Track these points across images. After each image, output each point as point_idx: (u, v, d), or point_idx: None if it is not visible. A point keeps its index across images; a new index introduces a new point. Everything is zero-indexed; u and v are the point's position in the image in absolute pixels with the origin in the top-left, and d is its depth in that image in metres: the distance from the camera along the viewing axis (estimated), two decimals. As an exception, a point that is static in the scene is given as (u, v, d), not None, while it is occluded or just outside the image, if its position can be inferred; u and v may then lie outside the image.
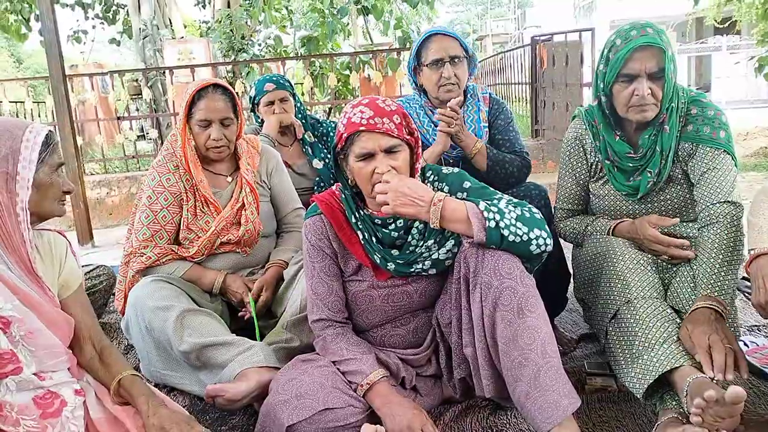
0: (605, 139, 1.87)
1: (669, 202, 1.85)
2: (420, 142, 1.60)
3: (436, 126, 2.20)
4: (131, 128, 6.31)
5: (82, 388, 1.40)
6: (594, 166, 1.96)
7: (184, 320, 1.84)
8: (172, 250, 2.09)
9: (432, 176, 1.65)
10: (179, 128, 2.10)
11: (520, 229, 1.43)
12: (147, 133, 7.89)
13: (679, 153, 1.80)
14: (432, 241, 1.59)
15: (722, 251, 1.61)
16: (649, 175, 1.82)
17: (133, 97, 8.47)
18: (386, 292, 1.65)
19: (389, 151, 1.50)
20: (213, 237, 2.09)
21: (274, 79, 2.75)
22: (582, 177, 1.99)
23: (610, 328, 1.66)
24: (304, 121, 2.80)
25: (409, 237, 1.61)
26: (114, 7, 10.24)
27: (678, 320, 1.58)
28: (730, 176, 1.71)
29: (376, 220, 1.61)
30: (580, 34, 5.83)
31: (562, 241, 2.13)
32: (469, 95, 2.27)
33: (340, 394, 1.54)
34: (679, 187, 1.84)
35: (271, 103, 2.71)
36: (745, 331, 2.11)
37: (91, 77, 6.35)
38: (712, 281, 1.58)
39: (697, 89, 1.89)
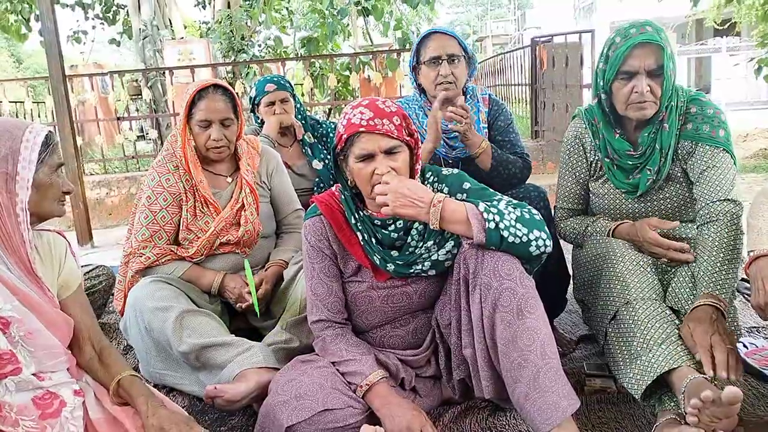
0: (605, 138, 1.88)
1: (668, 200, 1.85)
2: (420, 143, 1.60)
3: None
4: (131, 129, 6.31)
5: (81, 389, 1.40)
6: (594, 165, 1.97)
7: (183, 321, 1.83)
8: (172, 251, 2.09)
9: (431, 177, 1.65)
10: (179, 128, 2.10)
11: (519, 230, 1.43)
12: (147, 134, 7.90)
13: (679, 151, 1.81)
14: (431, 242, 1.59)
15: (722, 249, 1.61)
16: (648, 173, 1.83)
17: (133, 97, 8.47)
18: (386, 293, 1.65)
19: (389, 152, 1.50)
20: (212, 237, 2.09)
21: (275, 79, 2.75)
22: (582, 176, 2.00)
23: (610, 329, 1.66)
24: (303, 121, 2.80)
25: (409, 238, 1.61)
26: (114, 8, 10.25)
27: (677, 321, 1.58)
28: (730, 174, 1.72)
29: (375, 221, 1.61)
30: (580, 36, 5.84)
31: (561, 242, 2.13)
32: (468, 96, 2.27)
33: (339, 395, 1.54)
34: (678, 185, 1.84)
35: (272, 103, 2.71)
36: (745, 333, 2.11)
37: (91, 77, 6.36)
38: (713, 279, 1.58)
39: (696, 90, 1.89)
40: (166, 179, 2.09)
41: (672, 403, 1.48)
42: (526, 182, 2.23)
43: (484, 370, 1.50)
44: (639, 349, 1.54)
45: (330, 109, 8.18)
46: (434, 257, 1.59)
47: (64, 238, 1.49)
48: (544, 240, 1.45)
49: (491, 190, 1.59)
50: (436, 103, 2.06)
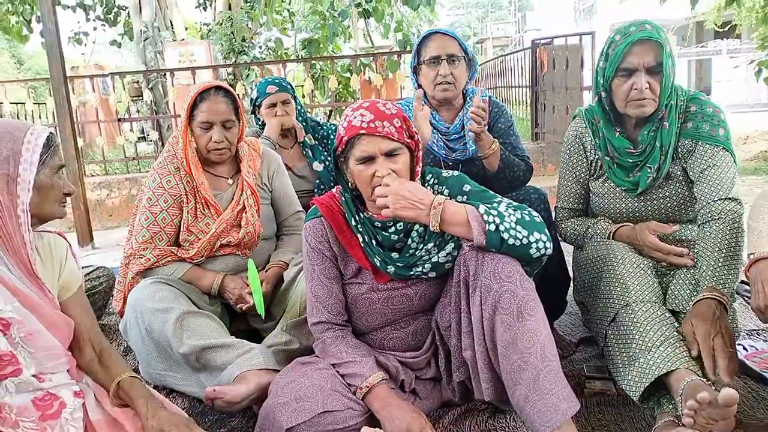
0: (605, 136, 1.89)
1: (668, 199, 1.86)
2: (420, 145, 1.60)
3: (436, 128, 2.21)
4: (132, 130, 6.31)
5: (81, 390, 1.40)
6: (594, 164, 1.97)
7: (183, 322, 1.84)
8: (172, 252, 2.09)
9: (432, 179, 1.65)
10: (181, 130, 2.10)
11: (519, 232, 1.43)
12: (147, 135, 7.90)
13: (679, 150, 1.82)
14: (432, 244, 1.59)
15: (725, 246, 1.62)
16: (648, 170, 1.83)
17: (134, 98, 8.48)
18: (386, 295, 1.65)
19: (389, 154, 1.50)
20: (213, 239, 2.09)
21: (277, 81, 2.76)
22: (582, 175, 2.00)
23: (609, 332, 1.66)
24: (304, 123, 2.80)
25: (409, 240, 1.61)
26: (115, 9, 10.25)
27: (676, 324, 1.58)
28: (730, 173, 1.73)
29: (376, 223, 1.61)
30: (581, 38, 5.85)
31: (562, 244, 2.13)
32: (468, 98, 2.28)
33: (339, 397, 1.54)
34: (678, 184, 1.84)
35: (273, 105, 2.71)
36: (745, 336, 2.11)
37: (92, 79, 6.36)
38: (716, 274, 1.59)
39: (696, 91, 1.90)
40: (167, 181, 2.10)
41: (670, 406, 1.48)
42: (527, 185, 2.23)
43: (484, 372, 1.50)
44: (637, 351, 1.54)
45: (330, 111, 8.19)
46: (434, 259, 1.59)
47: (65, 239, 1.50)
48: (545, 242, 1.45)
49: (491, 192, 1.59)
50: (415, 102, 2.02)
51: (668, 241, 1.80)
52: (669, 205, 1.86)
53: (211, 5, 10.02)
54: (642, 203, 1.89)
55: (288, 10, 10.57)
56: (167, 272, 2.07)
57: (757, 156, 7.31)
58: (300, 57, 8.95)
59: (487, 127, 2.26)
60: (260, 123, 2.81)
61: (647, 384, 1.48)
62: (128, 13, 9.68)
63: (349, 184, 1.61)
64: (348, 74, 7.87)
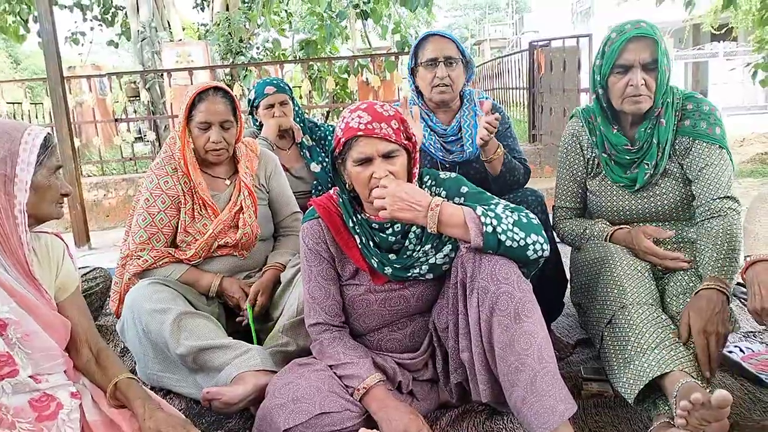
0: (602, 133, 1.91)
1: (665, 196, 1.86)
2: (418, 147, 1.60)
3: (433, 130, 2.21)
4: (129, 130, 6.30)
5: (78, 391, 1.40)
6: (590, 162, 1.99)
7: (180, 323, 1.83)
8: (169, 253, 2.09)
9: (429, 181, 1.65)
10: (179, 131, 2.10)
11: (517, 234, 1.43)
12: (144, 136, 7.89)
13: (676, 147, 1.84)
14: (429, 245, 1.59)
15: (726, 240, 1.65)
16: (646, 167, 1.85)
17: (131, 99, 8.48)
18: (383, 296, 1.65)
19: (387, 156, 1.51)
20: (210, 240, 2.09)
21: (275, 82, 2.76)
22: (579, 173, 2.01)
23: (606, 333, 1.67)
24: (302, 124, 2.80)
25: (407, 241, 1.61)
26: (112, 9, 10.23)
27: (672, 326, 1.59)
28: (728, 172, 1.77)
29: (373, 225, 1.61)
30: (578, 40, 5.86)
31: (560, 246, 2.14)
32: (465, 100, 2.28)
33: (336, 398, 1.54)
34: (674, 182, 1.86)
35: (271, 106, 2.71)
36: (742, 338, 2.12)
37: (89, 79, 6.35)
38: (718, 265, 1.62)
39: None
40: (164, 181, 2.09)
41: (666, 407, 1.49)
42: (524, 186, 2.24)
43: (481, 373, 1.51)
44: (633, 353, 1.55)
45: (328, 112, 8.18)
46: (432, 261, 1.59)
47: (62, 240, 1.50)
48: (542, 244, 1.46)
49: (489, 194, 1.60)
50: (401, 108, 2.00)
51: (665, 243, 1.81)
52: (666, 202, 1.87)
53: (208, 6, 10.01)
54: (639, 201, 1.89)
55: (286, 10, 10.56)
56: (164, 274, 2.07)
57: (753, 158, 7.32)
58: (297, 58, 8.94)
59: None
60: (258, 124, 2.81)
61: (642, 386, 1.48)
62: (125, 13, 9.67)
63: (347, 186, 1.61)
64: (345, 75, 7.87)
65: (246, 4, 8.98)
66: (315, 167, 2.75)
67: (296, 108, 2.80)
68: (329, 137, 2.86)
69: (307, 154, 2.78)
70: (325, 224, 1.65)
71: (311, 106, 6.73)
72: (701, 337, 1.50)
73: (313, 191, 2.72)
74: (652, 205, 1.88)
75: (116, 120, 6.35)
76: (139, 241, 2.06)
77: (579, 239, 1.98)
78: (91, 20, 10.39)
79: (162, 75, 7.25)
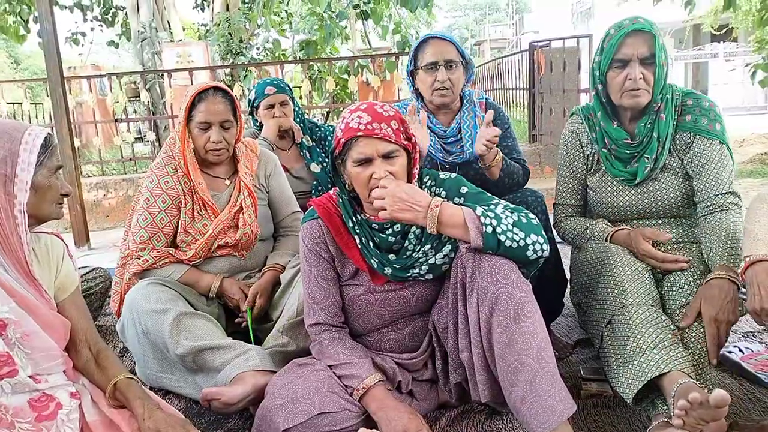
0: (602, 128, 1.92)
1: (665, 192, 1.86)
2: (417, 147, 1.60)
3: (433, 131, 2.21)
4: (129, 130, 6.31)
5: (77, 391, 1.40)
6: (590, 158, 1.99)
7: (180, 323, 1.83)
8: (169, 253, 2.09)
9: (429, 181, 1.65)
10: (179, 131, 2.10)
11: (516, 234, 1.44)
12: (144, 136, 7.89)
13: (677, 142, 1.85)
14: (429, 246, 1.59)
15: (731, 231, 1.67)
16: (646, 161, 1.85)
17: (131, 99, 8.48)
18: (383, 296, 1.65)
19: (387, 156, 1.51)
20: (210, 240, 2.09)
21: (275, 82, 2.76)
22: (579, 170, 2.02)
23: (605, 333, 1.67)
24: (302, 125, 2.81)
25: (406, 242, 1.61)
26: (113, 10, 10.24)
27: (672, 327, 1.59)
28: (729, 167, 1.79)
29: (373, 225, 1.61)
30: (578, 40, 5.87)
31: (559, 246, 2.13)
32: (465, 101, 2.28)
33: (336, 398, 1.54)
34: (674, 177, 1.86)
35: (271, 106, 2.71)
36: (741, 338, 2.12)
37: (89, 79, 6.35)
38: (726, 253, 1.63)
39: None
40: (164, 181, 2.09)
41: (664, 407, 1.49)
42: (524, 187, 2.24)
43: (480, 373, 1.51)
44: (632, 353, 1.55)
45: (328, 112, 8.20)
46: (431, 261, 1.60)
47: (62, 240, 1.50)
48: (541, 244, 1.46)
49: (488, 194, 1.60)
50: (408, 117, 1.97)
51: (664, 246, 1.82)
52: (666, 198, 1.87)
53: (208, 6, 10.02)
54: (639, 196, 1.90)
55: (286, 11, 10.57)
56: (164, 274, 2.07)
57: (753, 159, 7.32)
58: (298, 58, 8.94)
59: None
60: (258, 124, 2.81)
61: (640, 386, 1.48)
62: (126, 13, 9.68)
63: (347, 186, 1.61)
64: (346, 76, 7.88)
65: (246, 5, 8.98)
66: (315, 167, 2.75)
67: (296, 108, 2.80)
68: (329, 137, 2.86)
69: (307, 155, 2.78)
70: (325, 224, 1.65)
71: (311, 106, 6.73)
72: (713, 325, 1.53)
73: (313, 191, 2.72)
74: (653, 200, 1.88)
75: (116, 120, 6.35)
76: (139, 241, 2.07)
77: (580, 238, 1.98)
78: (91, 20, 10.41)
79: (162, 75, 7.25)
